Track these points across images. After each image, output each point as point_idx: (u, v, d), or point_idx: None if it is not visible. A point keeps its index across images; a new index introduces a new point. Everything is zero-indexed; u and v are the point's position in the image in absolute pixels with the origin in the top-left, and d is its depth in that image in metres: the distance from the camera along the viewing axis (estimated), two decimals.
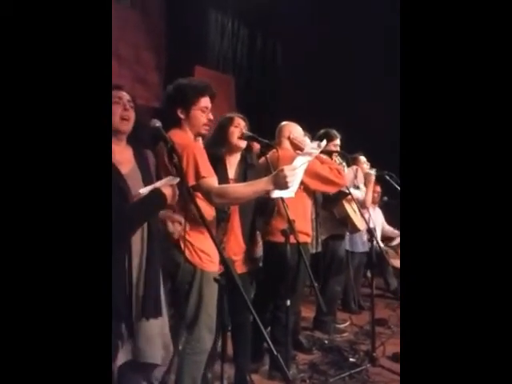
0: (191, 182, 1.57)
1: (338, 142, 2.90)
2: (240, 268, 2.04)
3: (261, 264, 2.18)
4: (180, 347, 1.72)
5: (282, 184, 1.52)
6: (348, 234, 3.17)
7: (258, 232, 2.16)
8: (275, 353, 1.22)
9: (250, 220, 2.10)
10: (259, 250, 2.15)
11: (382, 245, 3.29)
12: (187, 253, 1.64)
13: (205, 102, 1.74)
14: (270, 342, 1.24)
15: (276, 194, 1.74)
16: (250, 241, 2.10)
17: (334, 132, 2.91)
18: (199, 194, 1.62)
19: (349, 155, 2.92)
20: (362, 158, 3.43)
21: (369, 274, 3.59)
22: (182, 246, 1.64)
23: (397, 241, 3.52)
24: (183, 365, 1.69)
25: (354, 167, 2.86)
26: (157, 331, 1.48)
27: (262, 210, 2.19)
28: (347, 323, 3.29)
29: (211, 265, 1.68)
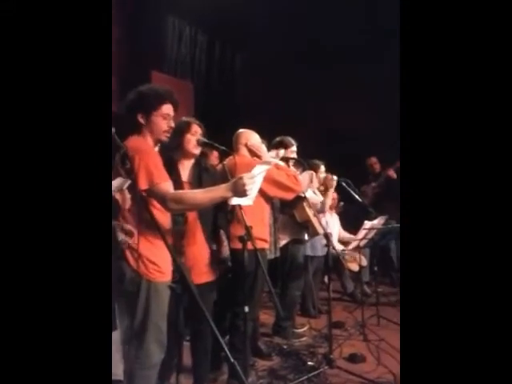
0: (143, 186, 1.54)
1: (294, 148, 2.95)
2: (207, 276, 2.01)
3: (230, 264, 2.15)
4: (129, 362, 1.65)
5: (240, 192, 1.52)
6: (307, 238, 3.22)
7: (222, 231, 2.14)
8: (232, 360, 1.22)
9: (211, 221, 2.08)
10: (226, 250, 2.11)
11: (338, 249, 3.37)
12: (133, 262, 1.59)
13: (166, 108, 1.72)
14: (226, 350, 1.23)
15: (234, 201, 1.74)
16: (214, 242, 2.07)
17: (290, 139, 2.96)
18: (154, 203, 1.59)
19: (305, 162, 2.98)
20: (320, 164, 3.52)
21: (326, 279, 3.66)
22: (128, 255, 1.59)
23: (353, 245, 3.62)
24: (132, 380, 1.61)
25: (310, 172, 2.92)
26: (114, 346, 1.41)
27: (222, 213, 2.16)
28: (306, 327, 3.33)
29: (159, 275, 1.61)
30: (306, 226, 3.10)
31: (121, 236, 1.55)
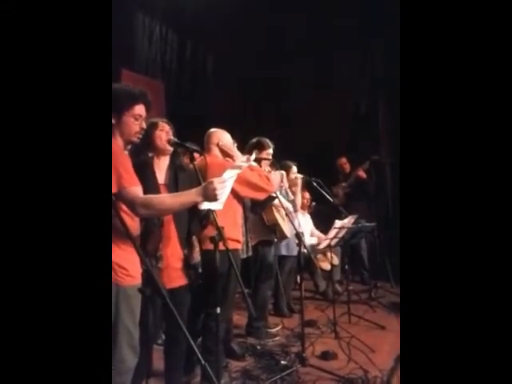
0: (112, 190, 1.50)
1: (270, 151, 2.96)
2: (180, 280, 1.99)
3: (200, 270, 2.13)
4: None
5: (210, 196, 1.51)
6: (276, 240, 3.24)
7: (194, 237, 2.12)
8: (203, 362, 1.21)
9: (185, 225, 2.06)
10: (197, 256, 2.10)
11: (309, 248, 3.41)
12: None
13: (139, 109, 1.67)
14: (197, 351, 1.22)
15: (205, 205, 1.72)
16: (186, 247, 2.06)
17: (267, 141, 2.96)
18: (123, 207, 1.55)
19: (277, 163, 3.00)
20: (292, 164, 3.55)
21: (298, 278, 3.70)
22: None
23: (324, 244, 3.67)
24: None
25: (281, 172, 2.94)
26: None
27: (196, 215, 2.15)
28: (279, 327, 3.35)
29: (128, 279, 1.58)
30: (274, 229, 3.12)
31: None
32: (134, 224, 1.62)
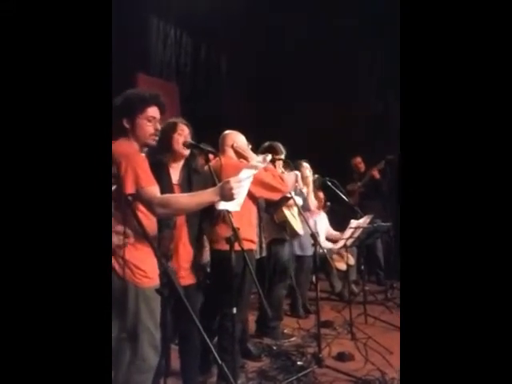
0: (130, 190, 1.53)
1: (282, 156, 2.96)
2: (189, 279, 2.01)
3: (208, 269, 2.15)
4: (124, 367, 1.64)
5: (227, 196, 1.52)
6: (288, 238, 3.23)
7: (204, 237, 2.14)
8: (220, 362, 1.22)
9: (197, 225, 2.08)
10: (206, 256, 2.13)
11: (325, 249, 3.39)
12: (118, 269, 1.57)
13: (152, 111, 1.70)
14: (214, 351, 1.23)
15: (222, 205, 1.72)
16: (196, 247, 2.07)
17: (280, 146, 2.96)
18: (140, 207, 1.58)
19: (292, 163, 3.00)
20: (305, 164, 3.54)
21: (314, 278, 3.69)
22: (114, 262, 1.56)
23: (339, 244, 3.65)
24: None
25: (295, 172, 2.94)
26: None
27: (208, 215, 2.17)
28: (295, 328, 3.35)
29: (146, 280, 1.60)
30: (284, 226, 3.11)
31: (116, 239, 1.52)
32: (151, 224, 1.64)
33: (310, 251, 3.57)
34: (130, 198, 1.44)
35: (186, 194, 1.67)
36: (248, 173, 1.72)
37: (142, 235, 1.44)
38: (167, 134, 2.00)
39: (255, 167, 1.85)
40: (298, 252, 3.59)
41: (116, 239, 1.54)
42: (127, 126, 1.68)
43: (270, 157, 1.97)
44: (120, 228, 1.55)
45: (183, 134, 2.03)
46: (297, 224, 3.14)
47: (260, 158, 1.99)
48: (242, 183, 1.55)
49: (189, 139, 2.03)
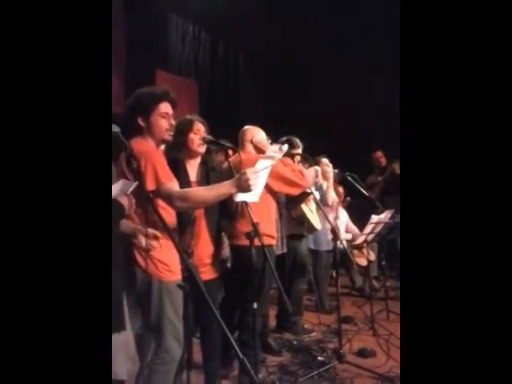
0: (150, 187, 1.55)
1: (299, 151, 2.94)
2: (210, 273, 2.03)
3: (229, 265, 2.17)
4: (149, 358, 1.68)
5: (244, 187, 1.52)
6: (306, 234, 3.21)
7: (223, 233, 2.15)
8: (241, 356, 1.22)
9: (216, 221, 2.10)
10: (226, 251, 2.14)
11: (345, 244, 3.36)
12: (142, 263, 1.60)
13: (164, 107, 1.72)
14: (235, 346, 1.24)
15: (240, 197, 1.72)
16: (216, 243, 2.09)
17: (297, 140, 2.94)
18: (160, 203, 1.60)
19: (311, 158, 2.98)
20: (324, 159, 3.51)
21: (334, 274, 3.67)
22: (138, 256, 1.60)
23: (360, 239, 3.61)
24: (152, 376, 1.65)
25: (315, 167, 2.92)
26: (120, 346, 1.44)
27: (227, 211, 2.18)
28: (315, 323, 3.34)
29: (169, 274, 1.62)
30: (301, 221, 3.10)
31: (143, 240, 1.56)
32: (171, 219, 1.67)
33: (325, 246, 3.56)
34: (151, 194, 1.47)
35: (203, 187, 1.68)
36: (265, 163, 1.71)
37: (163, 230, 1.46)
38: (183, 132, 2.01)
39: (272, 157, 1.82)
40: (312, 246, 3.56)
41: (144, 242, 1.58)
42: (142, 124, 1.70)
43: (286, 146, 1.93)
44: (150, 231, 1.59)
45: (199, 133, 2.04)
46: (314, 219, 3.11)
47: (276, 147, 1.95)
48: (258, 174, 1.55)
49: (205, 134, 2.04)
